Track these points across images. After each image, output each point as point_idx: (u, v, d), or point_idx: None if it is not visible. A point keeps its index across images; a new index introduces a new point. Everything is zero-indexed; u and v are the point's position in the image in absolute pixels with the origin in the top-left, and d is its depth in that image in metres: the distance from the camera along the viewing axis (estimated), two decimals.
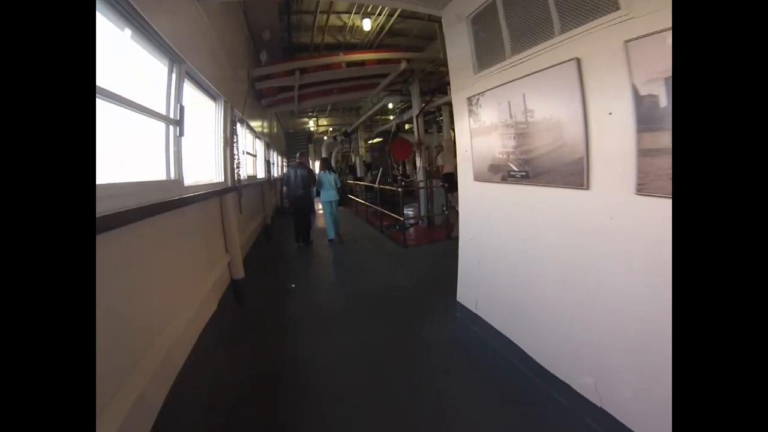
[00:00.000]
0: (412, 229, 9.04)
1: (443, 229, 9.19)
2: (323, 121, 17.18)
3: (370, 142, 20.03)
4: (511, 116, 2.93)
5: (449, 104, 11.87)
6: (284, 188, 7.98)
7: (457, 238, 7.64)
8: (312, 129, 19.14)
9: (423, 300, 4.75)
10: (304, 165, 8.08)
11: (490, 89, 3.14)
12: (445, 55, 8.09)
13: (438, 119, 14.85)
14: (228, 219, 4.30)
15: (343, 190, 16.26)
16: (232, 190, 4.41)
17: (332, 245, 8.71)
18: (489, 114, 3.19)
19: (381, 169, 12.86)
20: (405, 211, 9.75)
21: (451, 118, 14.58)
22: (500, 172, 3.12)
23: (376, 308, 4.62)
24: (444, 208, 8.84)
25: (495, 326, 3.39)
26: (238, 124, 5.01)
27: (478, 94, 3.30)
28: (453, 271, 5.85)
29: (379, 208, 9.38)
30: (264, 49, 6.35)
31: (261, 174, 9.75)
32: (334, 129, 20.14)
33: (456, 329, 3.88)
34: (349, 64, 6.77)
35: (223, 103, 4.30)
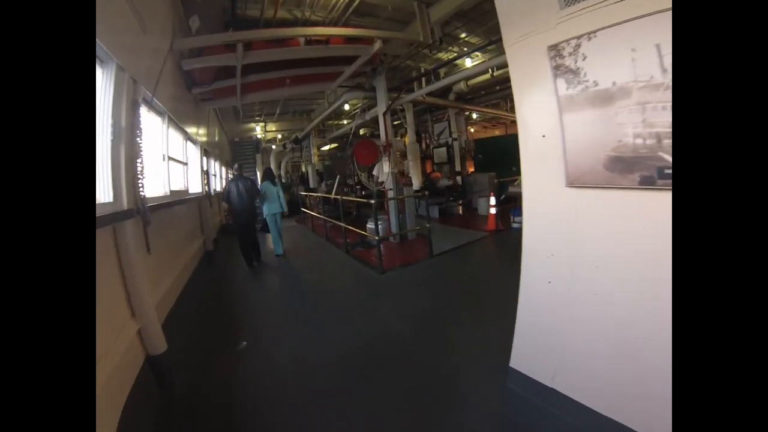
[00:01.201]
0: (381, 247, 7.56)
1: (421, 245, 7.78)
2: (271, 127, 15.25)
3: (323, 149, 18.35)
4: (663, 70, 1.52)
5: (414, 102, 10.59)
6: (226, 204, 7.22)
7: (440, 255, 6.18)
8: (259, 136, 17.10)
9: (438, 360, 3.24)
10: (245, 177, 7.35)
11: (607, 27, 1.72)
12: (427, 37, 6.92)
13: (396, 122, 13.55)
14: (129, 264, 2.51)
15: (293, 202, 14.56)
16: (131, 215, 2.61)
17: (291, 272, 7.07)
18: (608, 69, 1.76)
19: (338, 177, 11.26)
20: (371, 226, 8.26)
21: (416, 117, 13.38)
22: (637, 171, 1.70)
23: (370, 380, 3.05)
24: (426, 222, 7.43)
25: (603, 412, 1.97)
26: (144, 108, 3.17)
27: (578, 37, 1.86)
28: (460, 307, 4.46)
29: (342, 224, 7.77)
30: (197, 14, 4.59)
31: (196, 188, 7.78)
32: (283, 136, 18.24)
33: (511, 409, 2.49)
34: (310, 42, 5.16)
35: (115, 70, 2.52)
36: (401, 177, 8.25)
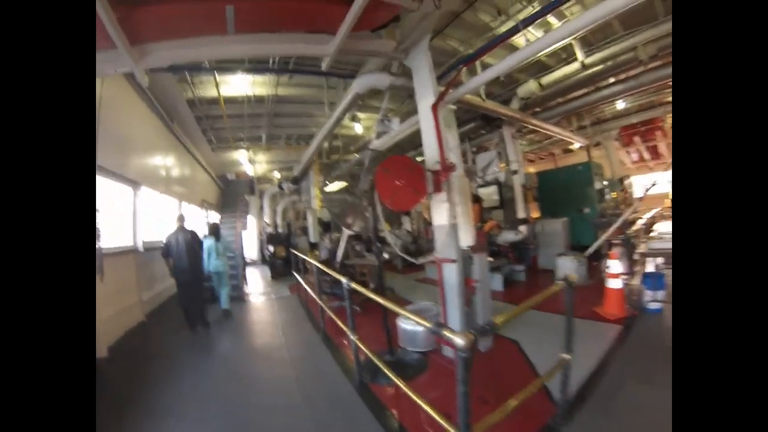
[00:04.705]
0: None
1: (504, 359, 3.46)
2: (261, 157, 11.20)
3: (329, 189, 14.18)
4: None
5: (460, 109, 6.49)
6: (168, 260, 5.78)
7: (581, 410, 2.91)
8: (250, 173, 13.11)
9: None
10: (188, 230, 6.08)
11: None
12: None
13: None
14: None
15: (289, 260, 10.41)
16: None
17: None
18: None
19: (344, 232, 6.78)
20: (409, 327, 3.90)
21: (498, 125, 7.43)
22: None
23: None
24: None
25: None
26: None
27: None
28: None
29: (353, 337, 3.39)
30: None
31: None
32: (282, 176, 14.23)
33: None
34: None
35: None
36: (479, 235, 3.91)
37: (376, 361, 2.99)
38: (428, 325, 1.83)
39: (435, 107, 3.77)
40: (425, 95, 4.05)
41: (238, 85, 6.90)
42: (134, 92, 5.55)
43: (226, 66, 5.87)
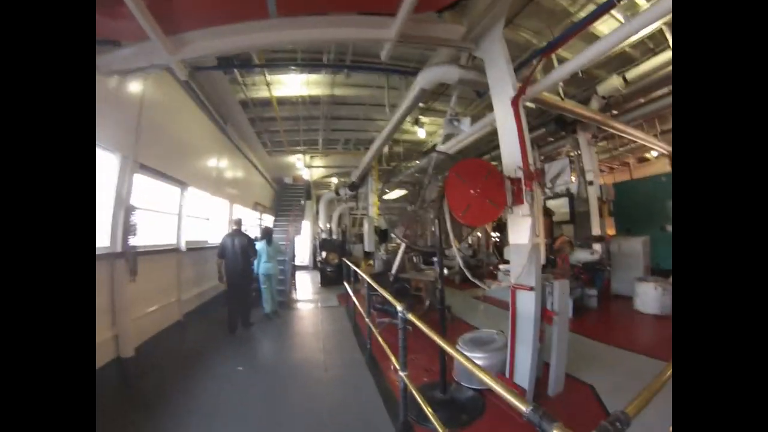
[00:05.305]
0: None
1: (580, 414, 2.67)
2: (318, 161, 10.98)
3: (387, 197, 13.58)
4: None
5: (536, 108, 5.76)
6: (218, 260, 5.92)
7: None
8: (306, 177, 12.96)
9: None
10: (244, 233, 6.26)
11: None
12: None
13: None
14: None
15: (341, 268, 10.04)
16: None
17: None
18: None
19: (402, 245, 6.33)
20: (478, 355, 3.26)
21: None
22: None
23: None
24: None
25: None
26: None
27: None
28: None
29: (402, 374, 2.81)
30: None
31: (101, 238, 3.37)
32: (339, 182, 13.98)
33: None
34: None
35: None
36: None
37: (423, 405, 2.40)
38: (523, 408, 1.20)
39: (516, 101, 3.11)
40: (502, 89, 3.41)
41: (292, 84, 6.63)
42: (183, 92, 5.38)
43: (277, 63, 5.59)
